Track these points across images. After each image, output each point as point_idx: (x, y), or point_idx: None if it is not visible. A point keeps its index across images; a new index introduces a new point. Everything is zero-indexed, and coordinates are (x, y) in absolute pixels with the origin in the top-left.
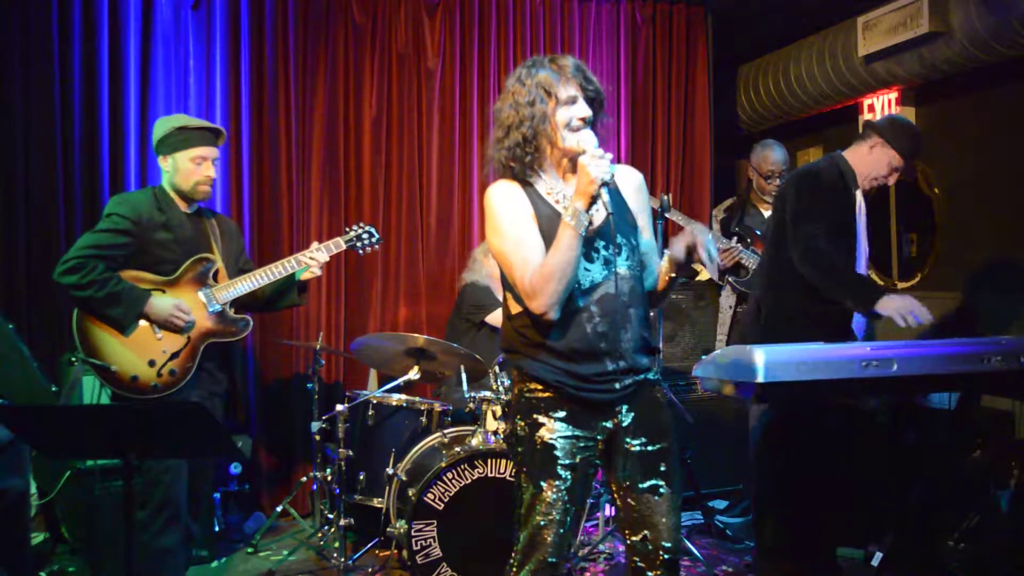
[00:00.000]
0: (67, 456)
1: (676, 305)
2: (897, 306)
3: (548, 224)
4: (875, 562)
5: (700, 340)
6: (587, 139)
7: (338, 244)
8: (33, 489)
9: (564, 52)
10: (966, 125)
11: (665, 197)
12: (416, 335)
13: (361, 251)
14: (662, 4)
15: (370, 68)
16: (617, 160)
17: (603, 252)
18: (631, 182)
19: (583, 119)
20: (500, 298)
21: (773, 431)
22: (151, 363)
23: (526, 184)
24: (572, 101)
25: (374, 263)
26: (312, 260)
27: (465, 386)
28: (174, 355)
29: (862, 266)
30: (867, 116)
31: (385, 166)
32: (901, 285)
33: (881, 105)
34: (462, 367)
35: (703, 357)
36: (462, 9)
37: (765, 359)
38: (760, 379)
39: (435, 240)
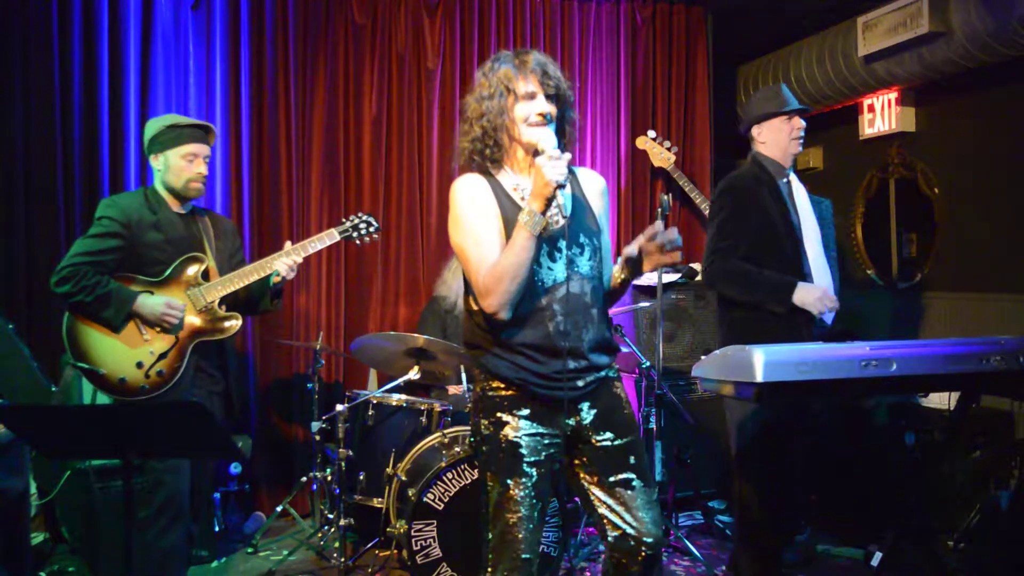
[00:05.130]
0: (67, 456)
1: (676, 305)
2: (812, 299)
3: (512, 220)
4: (875, 562)
5: (700, 340)
6: (546, 139)
7: (331, 235)
8: (33, 489)
9: (564, 53)
10: (966, 125)
11: (665, 197)
12: (416, 335)
13: (359, 241)
14: (662, 4)
15: (370, 68)
16: (617, 160)
17: (565, 252)
18: (595, 186)
19: (541, 115)
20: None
21: (764, 429)
22: (139, 365)
23: (492, 178)
24: (531, 97)
25: (374, 263)
26: (284, 266)
27: (465, 386)
28: (162, 356)
29: (813, 253)
30: (867, 116)
31: (385, 166)
32: (901, 285)
33: (881, 105)
34: (462, 367)
35: (703, 357)
36: (462, 9)
37: (765, 359)
38: (759, 379)
39: (435, 240)
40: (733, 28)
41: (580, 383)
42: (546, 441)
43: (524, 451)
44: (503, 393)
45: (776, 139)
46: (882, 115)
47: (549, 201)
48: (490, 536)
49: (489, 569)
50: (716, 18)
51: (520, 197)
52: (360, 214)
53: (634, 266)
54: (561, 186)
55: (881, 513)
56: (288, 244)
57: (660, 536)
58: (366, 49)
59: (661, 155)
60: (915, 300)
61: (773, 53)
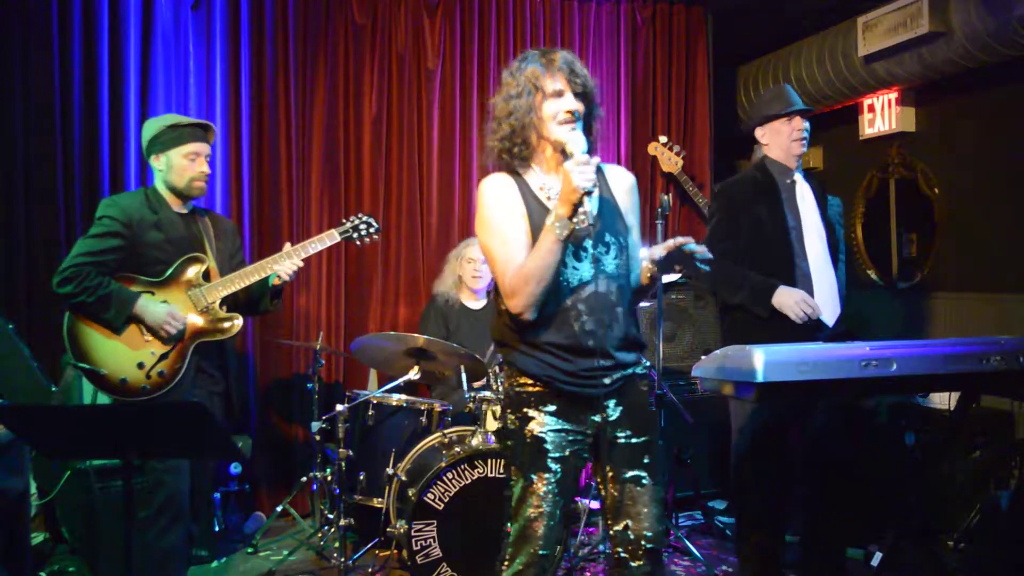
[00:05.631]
0: (67, 456)
1: (676, 305)
2: (791, 302)
3: (538, 220)
4: (875, 562)
5: (700, 340)
6: (575, 143)
7: (332, 236)
8: (33, 489)
9: None
10: (966, 125)
11: (665, 198)
12: (416, 335)
13: (359, 242)
14: (662, 4)
15: (370, 68)
16: (617, 160)
17: (591, 251)
18: (623, 183)
19: (570, 112)
20: (428, 328)
21: (768, 428)
22: (140, 365)
23: (519, 177)
24: (558, 95)
25: (374, 263)
26: (285, 270)
27: (465, 386)
28: (163, 356)
29: (815, 255)
30: (867, 116)
31: (385, 166)
32: (901, 285)
33: (881, 105)
34: (462, 367)
35: (703, 357)
36: (462, 9)
37: (765, 359)
38: (760, 379)
39: (435, 240)
40: (733, 28)
41: (607, 380)
42: (571, 438)
43: (549, 446)
44: (530, 389)
45: (778, 140)
46: (882, 115)
47: (576, 206)
48: (510, 529)
49: (506, 561)
50: (716, 18)
51: (546, 197)
52: (360, 215)
53: (661, 266)
54: (588, 192)
55: (881, 513)
56: (288, 245)
57: (661, 532)
58: (366, 49)
59: (670, 160)
60: (915, 300)
61: (773, 53)
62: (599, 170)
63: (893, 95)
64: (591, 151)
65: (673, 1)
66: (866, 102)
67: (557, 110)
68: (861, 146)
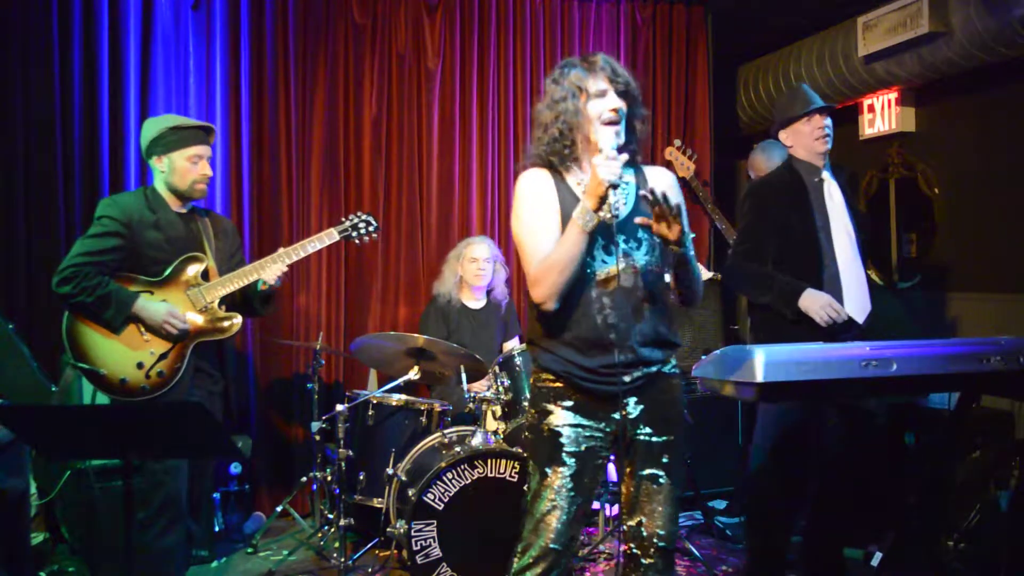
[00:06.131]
0: (67, 456)
1: (676, 305)
2: (816, 307)
3: (571, 213)
4: (875, 562)
5: (700, 340)
6: (605, 139)
7: (331, 235)
8: (33, 489)
9: (564, 53)
10: (966, 125)
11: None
12: (416, 335)
13: (358, 241)
14: (662, 5)
15: (370, 68)
16: None
17: (622, 246)
18: (663, 181)
19: (614, 110)
20: (432, 326)
21: (792, 432)
22: (139, 365)
23: (558, 174)
24: (602, 94)
25: (374, 263)
26: (272, 274)
27: (465, 386)
28: (162, 356)
29: (845, 255)
30: (867, 116)
31: (385, 166)
32: (901, 285)
33: (881, 105)
34: (462, 367)
35: (703, 357)
36: (462, 9)
37: (765, 359)
38: (760, 379)
39: (435, 240)
40: (733, 28)
41: (627, 378)
42: (587, 434)
43: (564, 440)
44: (551, 385)
45: (801, 141)
46: (882, 115)
47: (603, 200)
48: (525, 523)
49: (518, 553)
50: (716, 18)
51: (582, 192)
52: (359, 213)
53: (669, 252)
54: (614, 186)
55: (881, 513)
56: (281, 248)
57: (673, 532)
58: (366, 49)
59: (683, 165)
60: (915, 300)
61: (773, 53)
62: (639, 170)
63: (893, 95)
64: (636, 149)
65: (673, 1)
66: (866, 102)
67: (602, 109)
68: (861, 146)
